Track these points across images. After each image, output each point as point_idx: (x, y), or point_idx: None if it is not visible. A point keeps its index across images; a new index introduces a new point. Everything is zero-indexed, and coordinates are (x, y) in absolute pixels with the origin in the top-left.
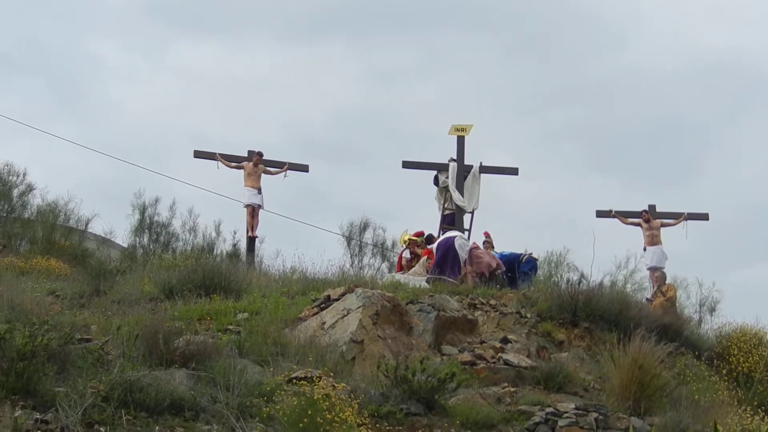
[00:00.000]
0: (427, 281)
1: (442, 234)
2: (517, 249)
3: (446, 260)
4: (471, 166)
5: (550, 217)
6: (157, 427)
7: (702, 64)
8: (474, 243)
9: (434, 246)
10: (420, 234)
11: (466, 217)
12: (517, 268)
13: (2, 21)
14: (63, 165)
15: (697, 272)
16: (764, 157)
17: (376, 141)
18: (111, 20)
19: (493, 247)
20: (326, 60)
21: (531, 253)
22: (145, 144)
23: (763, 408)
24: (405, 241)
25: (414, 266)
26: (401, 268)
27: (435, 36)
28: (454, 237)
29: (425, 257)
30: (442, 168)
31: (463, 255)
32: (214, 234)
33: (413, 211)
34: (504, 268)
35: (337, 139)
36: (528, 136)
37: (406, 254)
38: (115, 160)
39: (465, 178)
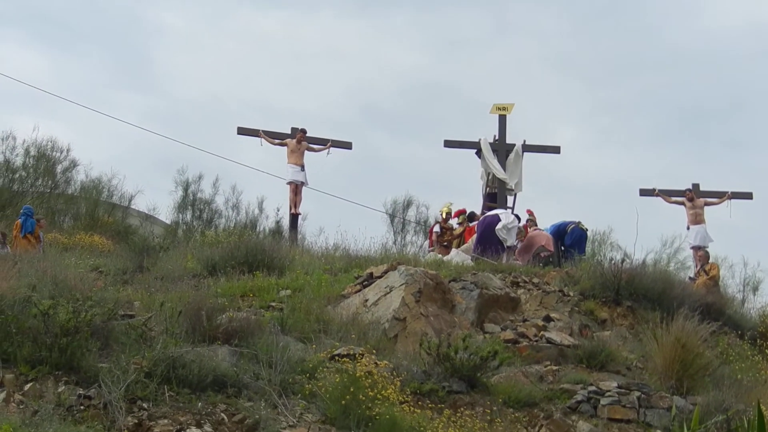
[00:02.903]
0: (471, 259)
1: (486, 212)
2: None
3: (487, 239)
4: (513, 145)
5: (610, 192)
6: (199, 404)
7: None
8: (524, 224)
9: (476, 223)
10: (462, 212)
11: (509, 199)
12: (561, 243)
13: None
14: (108, 140)
15: (742, 251)
16: None
17: (440, 112)
18: None
19: (536, 225)
20: (392, 29)
21: (579, 222)
22: (206, 113)
23: None
24: (445, 212)
25: (445, 241)
26: (432, 243)
27: (503, 6)
28: (497, 217)
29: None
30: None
31: (511, 240)
32: (256, 211)
33: (460, 188)
34: (551, 250)
35: (402, 110)
36: (596, 106)
37: (437, 229)
38: (162, 135)
39: (507, 156)
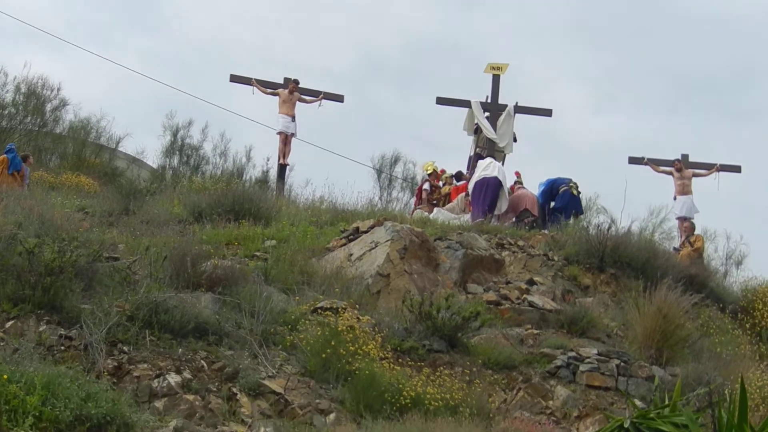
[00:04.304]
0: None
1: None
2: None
3: (486, 201)
4: (505, 106)
5: (605, 156)
6: (180, 350)
7: None
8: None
9: (471, 183)
10: (443, 172)
11: (498, 159)
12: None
13: None
14: (102, 80)
15: (728, 224)
16: None
17: (444, 69)
18: None
19: (523, 187)
20: None
21: (570, 184)
22: (207, 58)
23: None
24: (428, 170)
25: (434, 199)
26: (420, 201)
27: None
28: (496, 177)
29: (463, 194)
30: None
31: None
32: (244, 159)
33: (451, 145)
34: (536, 215)
35: (406, 65)
36: (605, 69)
37: (426, 186)
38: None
39: (498, 116)
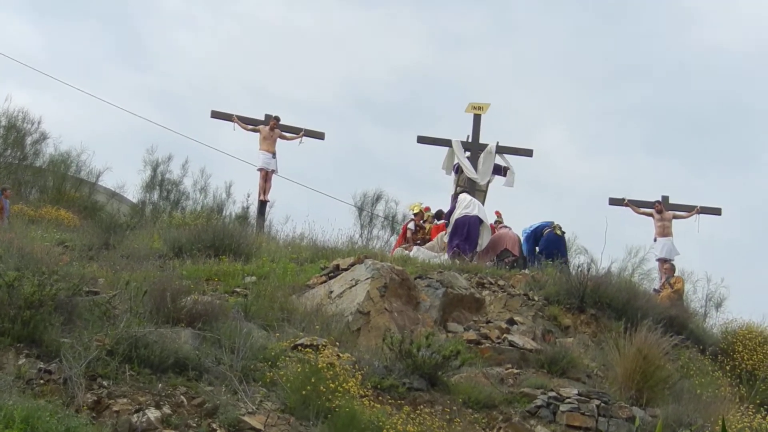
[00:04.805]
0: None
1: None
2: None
3: (465, 239)
4: (486, 145)
5: (590, 197)
6: (159, 385)
7: None
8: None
9: (451, 221)
10: (428, 209)
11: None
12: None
13: None
14: (80, 115)
15: (708, 267)
16: None
17: (432, 107)
18: None
19: (504, 226)
20: (391, 22)
21: (554, 225)
22: (200, 93)
23: (765, 407)
24: (414, 210)
25: (417, 239)
26: (404, 240)
27: (507, 5)
28: (477, 216)
29: (443, 234)
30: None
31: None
32: (224, 195)
33: (433, 184)
34: (516, 255)
35: (393, 103)
36: (591, 112)
37: (411, 226)
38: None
39: (479, 156)
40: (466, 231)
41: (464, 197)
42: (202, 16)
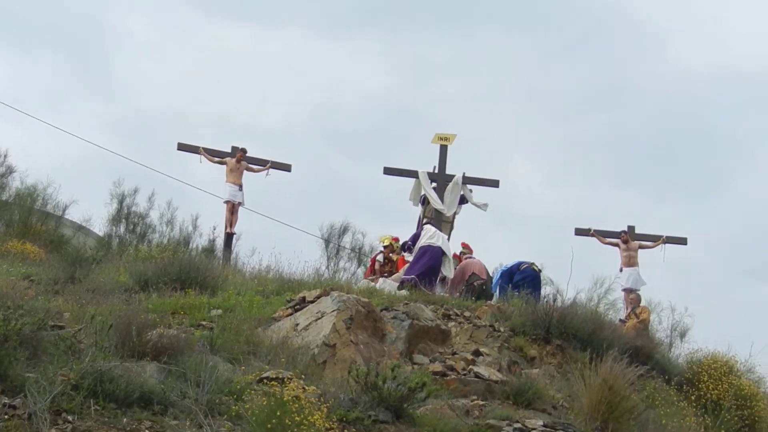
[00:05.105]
0: (406, 281)
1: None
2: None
3: (428, 269)
4: (452, 176)
5: (559, 228)
6: (125, 419)
7: (739, 76)
8: (454, 254)
9: (416, 247)
10: (397, 240)
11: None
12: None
13: None
14: (47, 148)
15: (673, 297)
16: None
17: (401, 136)
18: None
19: (471, 257)
20: (358, 52)
21: (532, 264)
22: (164, 126)
23: None
24: (384, 242)
25: (386, 271)
26: (373, 272)
27: (473, 34)
28: (440, 247)
29: (407, 266)
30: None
31: (448, 274)
32: (191, 228)
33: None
34: (485, 278)
35: (362, 132)
36: (556, 140)
37: (380, 258)
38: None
39: (446, 187)
40: (429, 259)
41: (429, 228)
42: (169, 46)
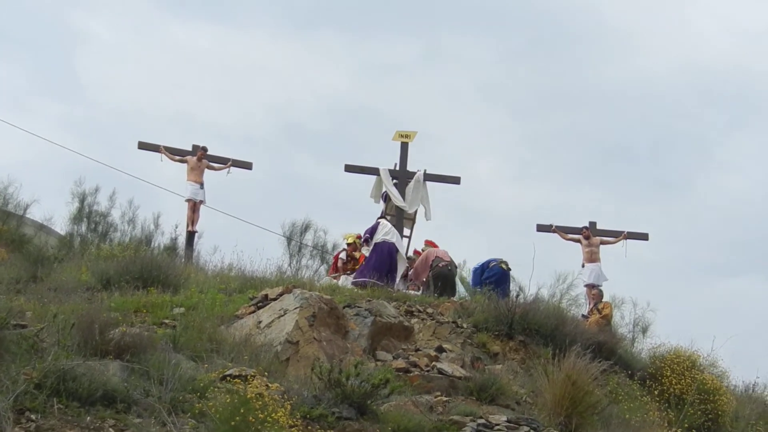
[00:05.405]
0: (359, 284)
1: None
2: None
3: (384, 265)
4: (414, 173)
5: (522, 224)
6: (88, 418)
7: (704, 76)
8: (415, 250)
9: (372, 242)
10: (360, 238)
11: (405, 229)
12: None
13: None
14: (7, 147)
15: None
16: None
17: (363, 135)
18: None
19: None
20: (321, 52)
21: (501, 261)
22: (127, 125)
23: (693, 431)
24: (348, 240)
25: (349, 269)
26: (336, 270)
27: (435, 33)
28: (394, 244)
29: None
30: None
31: (401, 268)
32: (152, 227)
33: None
34: (448, 259)
35: (323, 131)
36: (522, 139)
37: (343, 255)
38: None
39: (407, 184)
40: (386, 256)
41: (385, 224)
42: (131, 46)
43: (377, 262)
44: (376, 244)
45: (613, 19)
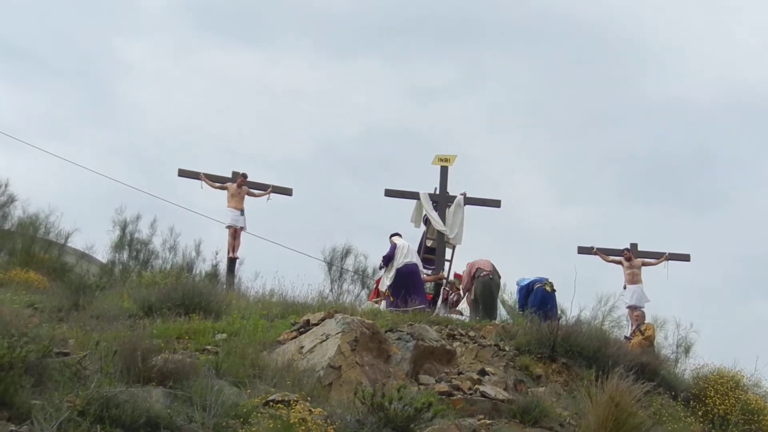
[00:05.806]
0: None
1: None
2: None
3: (410, 286)
4: (454, 197)
5: (565, 246)
6: None
7: (743, 98)
8: (456, 273)
9: (392, 268)
10: None
11: (448, 252)
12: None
13: (30, 15)
14: (49, 176)
15: (678, 312)
16: None
17: (406, 159)
18: (144, 21)
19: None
20: (361, 75)
21: (546, 283)
22: (169, 151)
23: None
24: None
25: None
26: (377, 294)
27: (475, 55)
28: (415, 264)
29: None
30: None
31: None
32: (194, 253)
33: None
34: (489, 269)
35: (365, 156)
36: (560, 159)
37: None
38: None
39: (447, 207)
40: (411, 280)
41: (401, 245)
42: (172, 73)
43: (405, 287)
44: (398, 270)
45: (654, 35)
